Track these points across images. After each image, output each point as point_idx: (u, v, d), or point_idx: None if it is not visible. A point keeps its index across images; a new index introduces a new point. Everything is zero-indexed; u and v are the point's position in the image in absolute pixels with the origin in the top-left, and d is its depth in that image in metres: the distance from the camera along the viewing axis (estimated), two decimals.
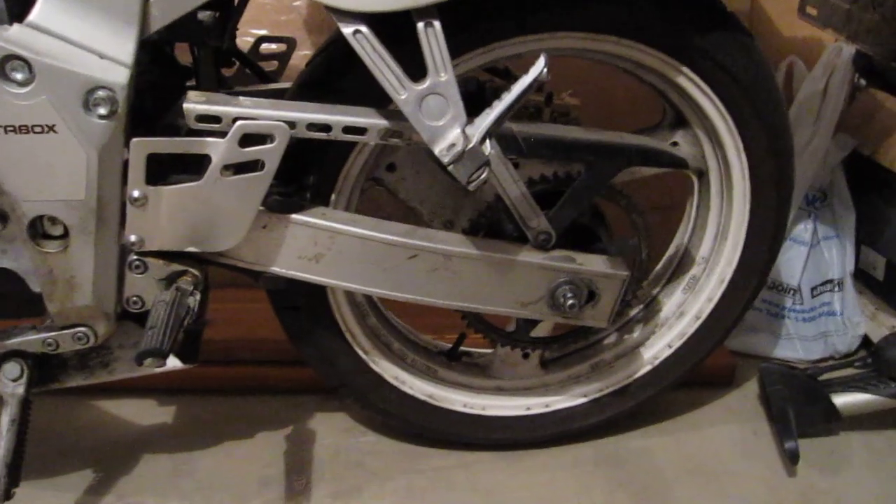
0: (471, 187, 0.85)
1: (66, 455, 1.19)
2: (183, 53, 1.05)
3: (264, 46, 1.20)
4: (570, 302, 1.00)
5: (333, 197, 0.99)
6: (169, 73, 1.04)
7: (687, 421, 1.31)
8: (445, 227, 1.06)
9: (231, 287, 1.27)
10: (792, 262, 1.44)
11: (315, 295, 1.05)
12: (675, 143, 1.11)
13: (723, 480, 1.19)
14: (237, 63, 1.14)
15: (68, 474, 1.15)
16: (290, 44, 1.20)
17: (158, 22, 0.83)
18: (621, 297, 1.03)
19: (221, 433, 1.24)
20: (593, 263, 1.01)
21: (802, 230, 1.44)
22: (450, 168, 0.84)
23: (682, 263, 1.21)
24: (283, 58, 1.20)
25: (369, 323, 1.14)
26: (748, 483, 1.19)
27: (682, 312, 1.20)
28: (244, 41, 1.19)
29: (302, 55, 1.26)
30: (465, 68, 0.96)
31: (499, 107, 0.83)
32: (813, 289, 1.46)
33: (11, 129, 0.80)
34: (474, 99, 0.92)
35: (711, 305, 1.17)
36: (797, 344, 1.46)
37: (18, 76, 0.78)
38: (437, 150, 0.84)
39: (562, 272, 1.00)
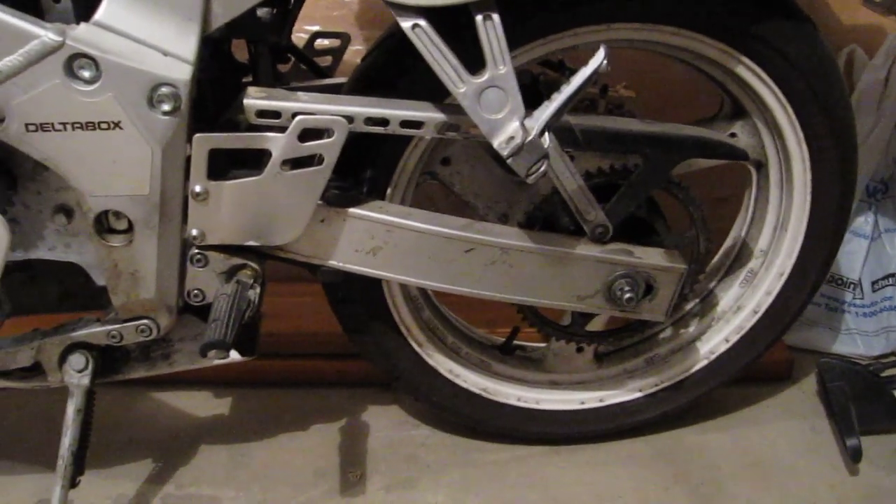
0: (530, 180, 0.85)
1: (126, 445, 1.21)
2: (237, 50, 1.06)
3: (318, 42, 1.21)
4: (628, 295, 0.99)
5: (389, 191, 1.00)
6: (226, 70, 1.05)
7: (743, 417, 1.30)
8: (500, 220, 1.06)
9: (285, 281, 1.28)
10: (852, 256, 1.41)
11: (371, 288, 1.06)
12: (733, 135, 1.09)
13: (782, 477, 1.17)
14: (292, 59, 1.15)
15: (128, 464, 1.18)
16: (344, 39, 1.21)
17: (220, 19, 0.83)
18: (679, 290, 1.02)
19: (276, 425, 1.26)
20: (651, 256, 1.00)
21: (863, 222, 1.41)
22: (509, 161, 0.84)
23: (740, 256, 1.19)
24: (337, 53, 1.20)
25: (424, 316, 1.14)
26: (808, 480, 1.17)
27: (739, 306, 1.18)
28: (298, 37, 1.20)
29: (354, 50, 1.27)
30: (522, 61, 0.95)
31: (558, 99, 0.83)
32: (874, 283, 1.42)
33: (79, 125, 0.82)
34: (528, 92, 0.91)
35: (770, 299, 1.15)
36: (857, 339, 1.42)
37: (86, 74, 0.80)
38: (495, 144, 0.84)
39: (619, 265, 0.99)
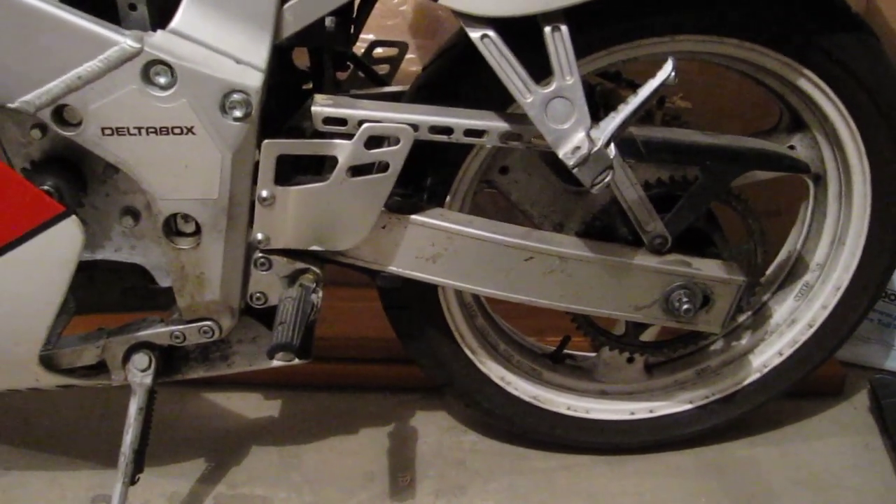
0: (595, 190, 0.85)
1: (179, 445, 1.23)
2: (298, 57, 1.08)
3: (377, 51, 1.22)
4: (686, 307, 0.99)
5: (448, 198, 1.01)
6: (289, 77, 1.07)
7: (794, 431, 1.29)
8: (555, 229, 1.06)
9: (337, 286, 1.30)
10: None
11: (426, 295, 1.07)
12: (791, 147, 1.08)
13: (834, 494, 1.16)
14: (351, 67, 1.17)
15: (181, 463, 1.20)
16: (402, 48, 1.22)
17: (291, 27, 0.85)
18: (736, 303, 1.02)
19: (327, 428, 1.27)
20: (710, 268, 1.00)
21: None
22: (575, 171, 0.84)
23: (795, 270, 1.19)
24: (395, 62, 1.22)
25: (477, 324, 1.15)
26: (861, 498, 1.16)
27: (793, 320, 1.17)
28: (355, 46, 1.21)
29: (408, 59, 1.28)
30: (584, 71, 0.95)
31: (625, 110, 0.83)
32: None
33: (153, 130, 0.84)
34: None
35: (826, 313, 1.14)
36: None
37: (162, 80, 0.82)
38: (561, 153, 0.84)
39: (678, 276, 0.99)
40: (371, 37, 1.30)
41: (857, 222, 1.08)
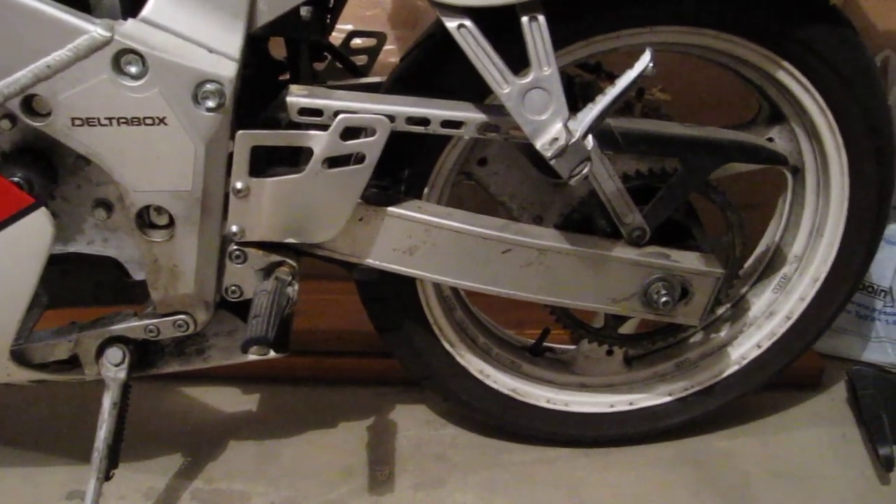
0: (572, 182, 0.85)
1: (156, 440, 1.22)
2: (274, 48, 1.07)
3: (354, 41, 1.21)
4: (665, 299, 0.99)
5: (426, 190, 1.00)
6: (265, 67, 1.05)
7: (773, 423, 1.29)
8: (534, 222, 1.06)
9: (315, 279, 1.29)
10: (883, 263, 1.40)
11: (405, 287, 1.06)
12: (770, 139, 1.08)
13: (811, 485, 1.17)
14: (328, 57, 1.15)
15: (158, 458, 1.19)
16: (380, 38, 1.21)
17: (265, 17, 0.84)
18: (715, 295, 1.02)
19: (305, 422, 1.26)
20: (688, 260, 1.00)
21: (895, 230, 1.40)
22: (552, 163, 0.84)
23: (773, 262, 1.19)
24: (373, 52, 1.21)
25: (456, 317, 1.14)
26: (839, 489, 1.16)
27: (772, 312, 1.17)
28: (333, 36, 1.20)
29: (386, 50, 1.27)
30: (563, 62, 0.95)
31: (602, 102, 0.82)
32: None
33: (124, 121, 0.82)
34: (564, 94, 0.91)
35: (804, 305, 1.14)
36: (888, 347, 1.41)
37: (133, 70, 0.80)
38: (538, 145, 0.84)
39: (656, 269, 0.99)
40: (349, 27, 1.28)
41: (834, 214, 1.09)
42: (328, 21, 1.03)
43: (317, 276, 1.23)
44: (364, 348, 1.30)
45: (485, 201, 1.09)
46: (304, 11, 0.94)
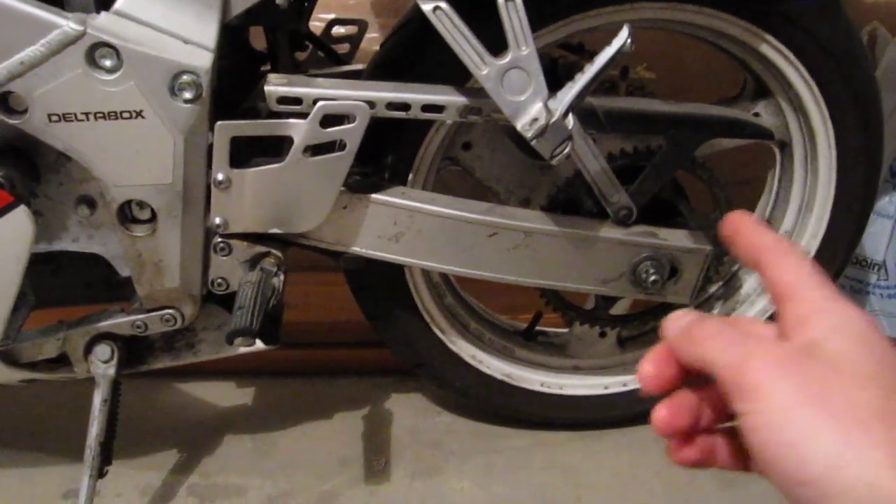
0: (554, 162, 0.84)
1: (151, 436, 1.22)
2: (255, 38, 1.06)
3: (336, 29, 1.20)
4: (653, 278, 0.98)
5: (410, 176, 0.99)
6: (245, 58, 1.05)
7: None
8: (522, 205, 1.05)
9: (307, 270, 1.28)
10: (876, 237, 1.39)
11: (393, 275, 1.05)
12: (756, 114, 1.08)
13: None
14: (310, 46, 1.14)
15: (154, 454, 1.19)
16: (362, 26, 1.20)
17: (239, 6, 0.83)
18: (704, 272, 1.01)
19: (300, 414, 1.26)
20: (676, 238, 0.99)
21: (887, 203, 1.39)
22: (533, 143, 0.83)
23: None
24: (355, 40, 1.20)
25: (446, 303, 1.14)
26: None
27: (764, 288, 1.17)
28: (314, 25, 1.19)
29: (369, 38, 1.26)
30: (543, 42, 0.94)
31: (582, 80, 0.82)
32: None
33: (101, 115, 0.82)
34: (547, 75, 0.90)
35: None
36: (882, 321, 1.41)
37: (107, 63, 0.80)
38: (519, 125, 0.83)
39: (644, 248, 0.98)
40: (331, 15, 1.27)
41: (823, 188, 1.08)
42: (306, 9, 1.02)
43: (308, 267, 1.23)
44: (357, 339, 1.30)
45: (475, 187, 1.09)
46: (280, 0, 0.93)
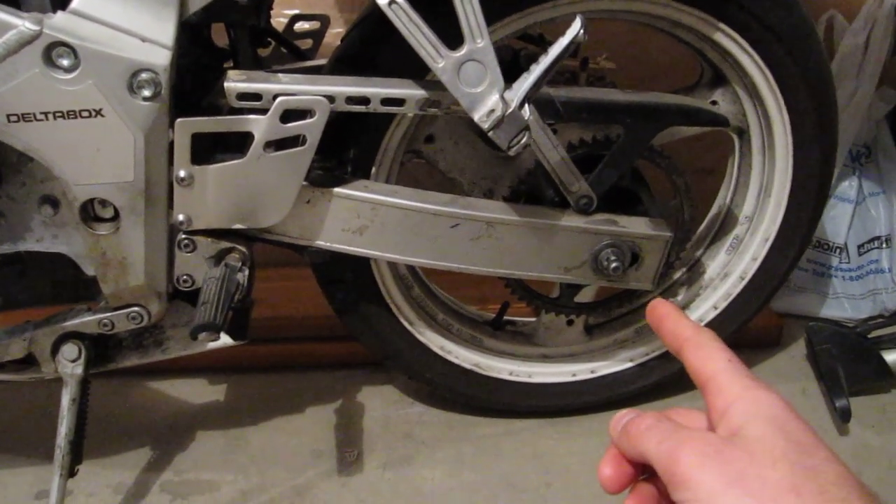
0: (511, 152, 0.85)
1: (123, 434, 1.22)
2: (218, 36, 1.06)
3: (298, 25, 1.20)
4: (614, 265, 1.00)
5: (374, 170, 1.00)
6: (207, 55, 1.05)
7: None
8: (485, 196, 1.06)
9: (276, 266, 1.29)
10: (837, 221, 1.42)
11: (359, 268, 1.06)
12: (714, 102, 1.10)
13: None
14: (273, 42, 1.15)
15: (127, 452, 1.19)
16: (324, 21, 1.21)
17: (197, 3, 0.83)
18: (665, 258, 1.03)
19: (272, 409, 1.27)
20: (636, 225, 1.01)
21: (847, 187, 1.42)
22: (490, 134, 0.84)
23: (725, 224, 1.20)
24: (318, 35, 1.20)
25: (414, 295, 1.15)
26: None
27: (726, 273, 1.19)
28: (277, 21, 1.20)
29: (333, 33, 1.27)
30: (501, 35, 0.95)
31: (536, 70, 0.83)
32: (860, 246, 1.44)
33: (60, 114, 0.82)
34: (510, 67, 0.92)
35: (756, 265, 1.16)
36: (845, 303, 1.44)
37: (65, 62, 0.80)
38: (476, 117, 0.84)
39: (604, 235, 1.00)
40: (295, 11, 1.28)
41: (780, 174, 1.10)
42: (265, 4, 1.02)
43: (277, 263, 1.24)
44: (327, 332, 1.30)
45: (441, 180, 1.10)
46: None
